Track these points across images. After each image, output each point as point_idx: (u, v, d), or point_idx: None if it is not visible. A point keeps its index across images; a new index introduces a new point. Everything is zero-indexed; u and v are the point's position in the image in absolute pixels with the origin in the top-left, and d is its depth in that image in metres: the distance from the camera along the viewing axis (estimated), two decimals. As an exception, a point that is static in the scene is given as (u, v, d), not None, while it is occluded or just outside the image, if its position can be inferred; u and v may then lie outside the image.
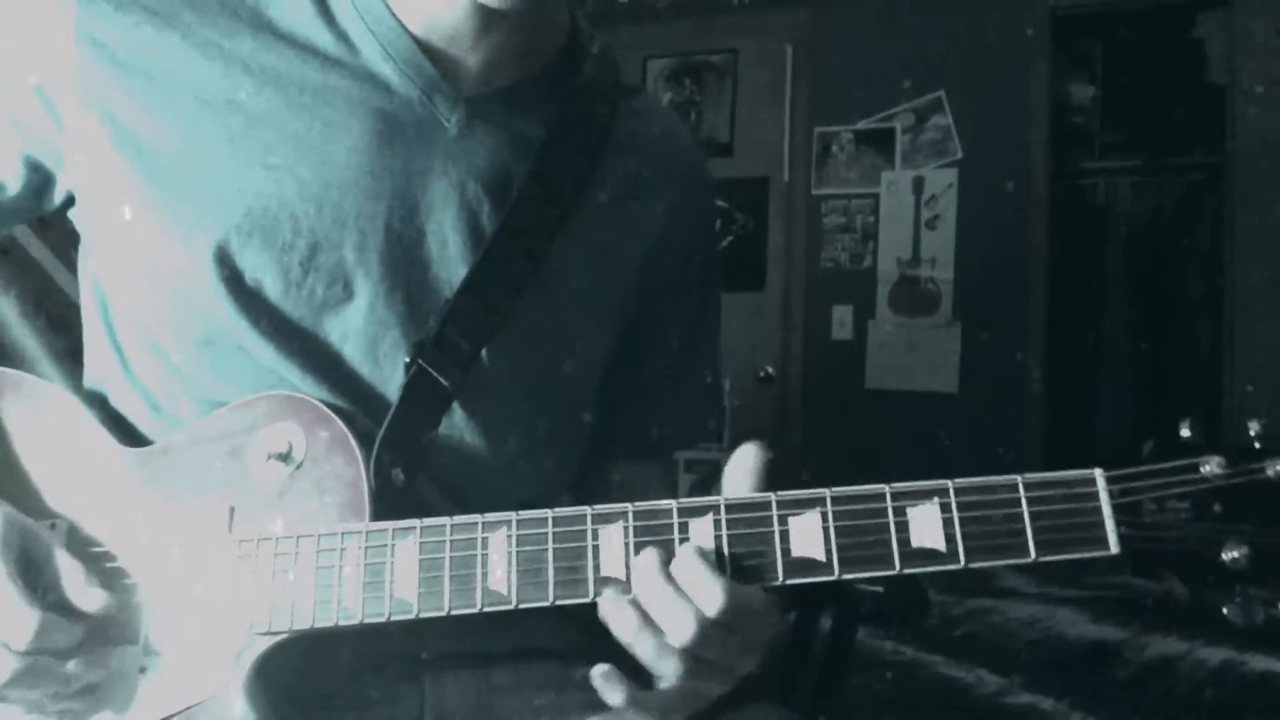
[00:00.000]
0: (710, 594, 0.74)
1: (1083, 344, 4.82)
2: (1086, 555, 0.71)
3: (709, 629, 0.74)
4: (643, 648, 0.76)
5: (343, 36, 0.90)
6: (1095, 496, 0.72)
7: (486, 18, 0.88)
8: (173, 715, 0.82)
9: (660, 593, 0.75)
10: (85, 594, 0.81)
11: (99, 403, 0.95)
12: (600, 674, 0.77)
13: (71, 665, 0.81)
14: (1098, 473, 0.73)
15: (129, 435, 0.91)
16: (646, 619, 0.75)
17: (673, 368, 1.08)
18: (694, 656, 0.75)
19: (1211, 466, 0.70)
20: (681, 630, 0.74)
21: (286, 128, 0.88)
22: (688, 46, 5.01)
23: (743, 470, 0.79)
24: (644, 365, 1.06)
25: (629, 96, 1.02)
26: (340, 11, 0.91)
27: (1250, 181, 4.09)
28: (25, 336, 1.05)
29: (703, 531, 0.76)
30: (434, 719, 0.94)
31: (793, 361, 4.77)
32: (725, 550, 0.75)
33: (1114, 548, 0.71)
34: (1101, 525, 0.72)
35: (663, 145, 1.05)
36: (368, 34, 0.90)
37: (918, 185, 4.61)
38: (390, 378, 0.89)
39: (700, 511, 0.76)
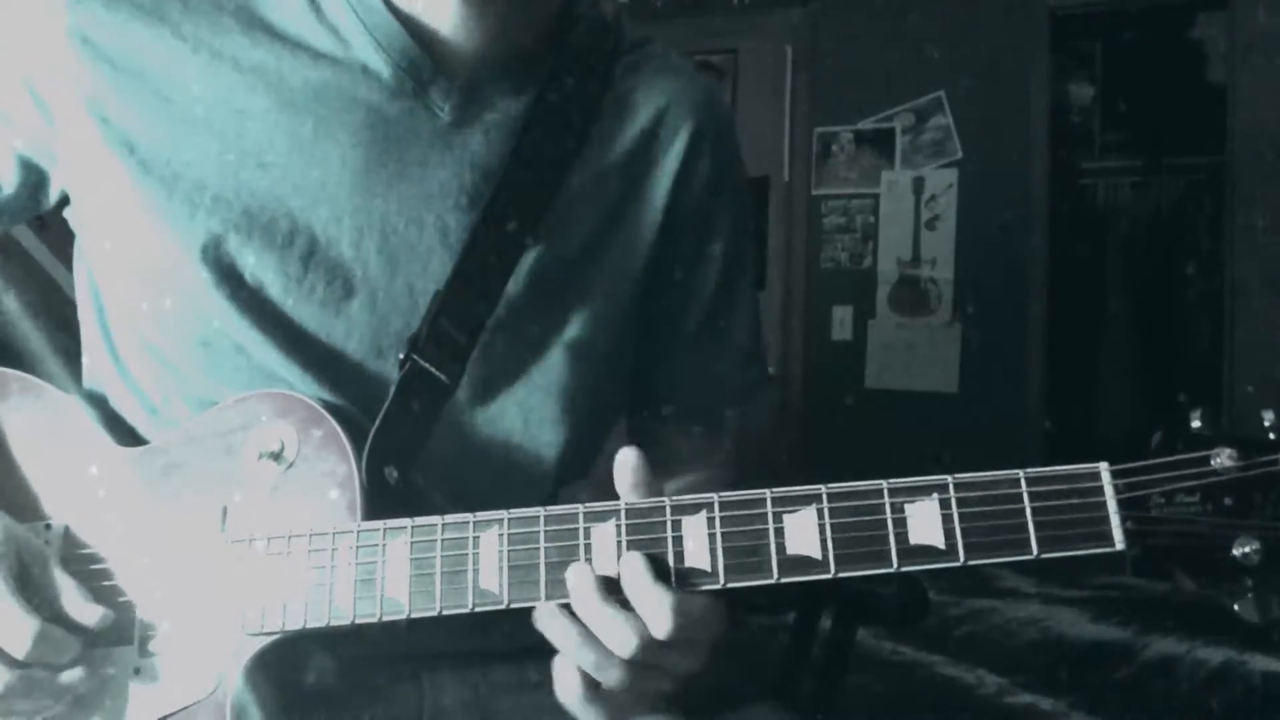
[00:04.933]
0: (660, 615, 0.72)
1: (1083, 344, 4.82)
2: (1091, 552, 0.70)
3: (651, 642, 0.73)
4: (585, 660, 0.74)
5: (333, 30, 0.90)
6: (1100, 491, 0.70)
7: (478, 2, 0.87)
8: (168, 716, 0.81)
9: (600, 612, 0.73)
10: (83, 608, 0.81)
11: (96, 403, 0.94)
12: (559, 667, 0.75)
13: (66, 678, 0.81)
14: (1103, 466, 0.71)
15: (126, 435, 0.91)
16: (588, 634, 0.74)
17: (709, 329, 1.04)
18: (639, 665, 0.74)
19: (1223, 459, 0.68)
20: (625, 646, 0.73)
21: (279, 125, 0.87)
22: (688, 46, 5.01)
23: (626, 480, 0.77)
24: (679, 327, 1.03)
25: (628, 53, 0.99)
26: (331, 6, 0.90)
27: (1250, 181, 4.09)
28: (25, 336, 1.04)
29: (696, 529, 0.75)
30: (432, 718, 0.93)
31: (793, 361, 4.77)
32: (719, 548, 0.74)
33: (1119, 544, 0.70)
34: (1106, 521, 0.70)
35: (664, 95, 0.99)
36: (359, 27, 0.89)
37: (918, 185, 4.61)
38: (394, 373, 0.87)
39: (693, 509, 0.75)
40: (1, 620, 0.78)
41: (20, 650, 0.77)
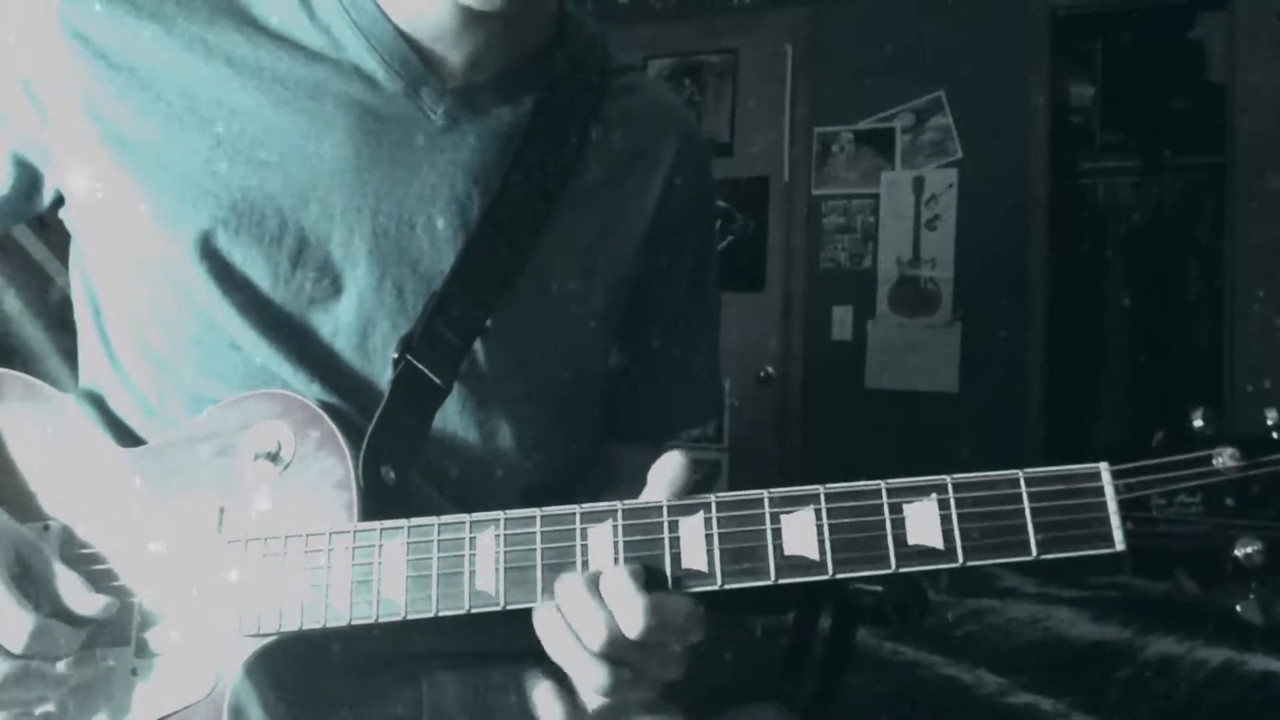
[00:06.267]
0: (631, 614, 0.73)
1: (1083, 344, 4.82)
2: (1090, 553, 0.69)
3: (623, 639, 0.73)
4: (564, 653, 0.75)
5: (326, 31, 0.90)
6: (1100, 491, 0.70)
7: (470, 15, 0.88)
8: (165, 717, 0.81)
9: (579, 603, 0.74)
10: (85, 599, 0.81)
11: (93, 403, 0.94)
12: (541, 693, 0.77)
13: (63, 668, 0.81)
14: (1103, 466, 0.71)
15: (123, 435, 0.91)
16: (570, 628, 0.75)
17: (670, 348, 1.06)
18: (614, 662, 0.75)
19: (1224, 459, 0.68)
20: (595, 638, 0.74)
21: (271, 123, 0.87)
22: (688, 46, 5.01)
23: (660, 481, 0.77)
24: (641, 345, 1.05)
25: (618, 75, 1.02)
26: (323, 7, 0.90)
27: (1250, 181, 4.08)
28: (24, 336, 1.04)
29: (693, 530, 0.75)
30: (431, 718, 0.93)
31: (793, 361, 4.76)
32: (716, 549, 0.74)
33: (1119, 545, 0.69)
34: (1106, 521, 0.70)
35: (652, 118, 1.03)
36: (352, 28, 0.90)
37: (918, 185, 4.60)
38: (382, 373, 0.88)
39: (690, 509, 0.75)
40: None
41: (17, 645, 0.78)
